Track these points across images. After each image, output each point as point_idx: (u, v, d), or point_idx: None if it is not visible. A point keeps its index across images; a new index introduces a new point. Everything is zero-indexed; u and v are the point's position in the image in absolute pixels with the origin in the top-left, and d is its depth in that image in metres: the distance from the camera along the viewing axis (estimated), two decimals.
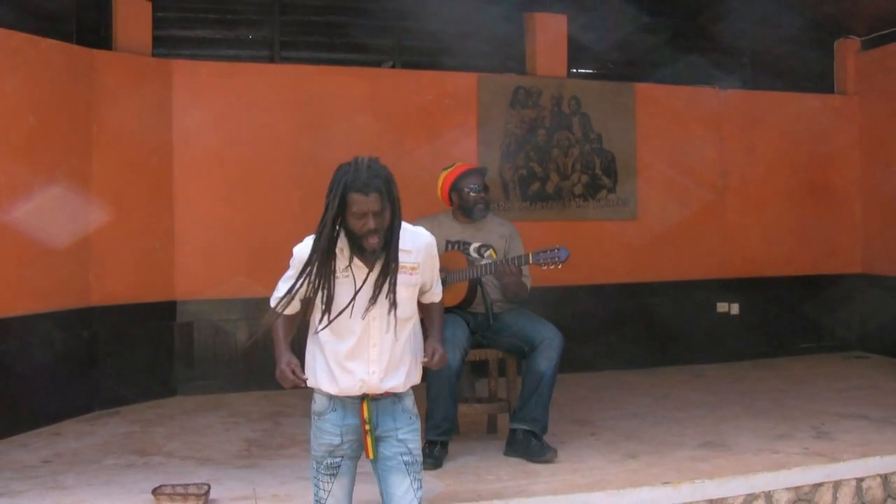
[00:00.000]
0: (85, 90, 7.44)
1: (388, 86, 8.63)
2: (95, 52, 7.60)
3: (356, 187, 3.79)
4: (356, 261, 3.87)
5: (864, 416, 7.12)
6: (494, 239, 6.41)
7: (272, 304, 4.01)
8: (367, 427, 3.93)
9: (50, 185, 7.05)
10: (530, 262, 6.01)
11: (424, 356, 4.06)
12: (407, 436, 4.03)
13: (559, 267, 5.92)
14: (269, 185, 8.19)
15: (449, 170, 6.49)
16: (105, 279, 7.56)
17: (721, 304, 9.69)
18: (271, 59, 8.63)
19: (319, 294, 3.83)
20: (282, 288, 4.00)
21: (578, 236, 8.81)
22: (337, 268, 3.86)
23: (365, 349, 3.91)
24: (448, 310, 6.18)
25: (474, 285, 6.23)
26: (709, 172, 9.66)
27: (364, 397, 3.93)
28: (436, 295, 4.25)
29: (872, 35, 10.10)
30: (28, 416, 6.89)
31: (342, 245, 3.87)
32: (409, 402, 4.09)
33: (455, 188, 6.42)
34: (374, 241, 3.81)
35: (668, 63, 9.86)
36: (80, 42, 7.63)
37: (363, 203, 3.78)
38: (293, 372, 3.89)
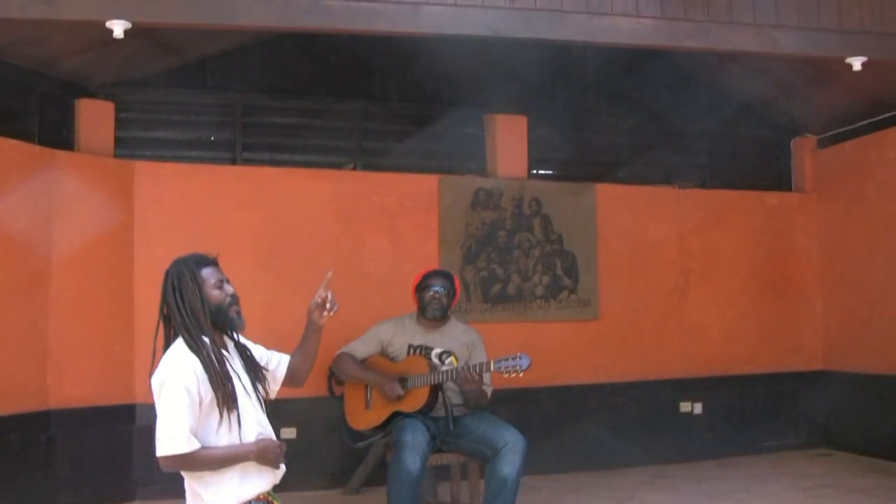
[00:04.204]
0: (46, 190, 7.40)
1: (350, 188, 8.64)
2: (57, 152, 7.58)
3: (203, 263, 3.82)
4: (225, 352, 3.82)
5: None
6: (457, 346, 6.43)
7: (182, 450, 3.62)
8: None
9: (8, 286, 7.00)
10: (491, 369, 6.01)
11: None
12: None
13: (520, 375, 5.92)
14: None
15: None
16: (63, 382, 7.44)
17: (684, 403, 9.66)
18: (233, 161, 8.65)
19: (222, 397, 3.69)
20: (181, 424, 3.62)
21: (540, 337, 8.80)
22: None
23: (259, 423, 3.83)
24: (408, 415, 6.18)
25: (435, 391, 6.22)
26: (669, 271, 9.71)
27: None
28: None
29: (828, 133, 10.26)
30: None
31: None
32: None
33: (420, 287, 6.52)
34: (238, 307, 3.88)
35: (627, 163, 9.98)
36: (41, 142, 7.63)
37: (216, 272, 3.86)
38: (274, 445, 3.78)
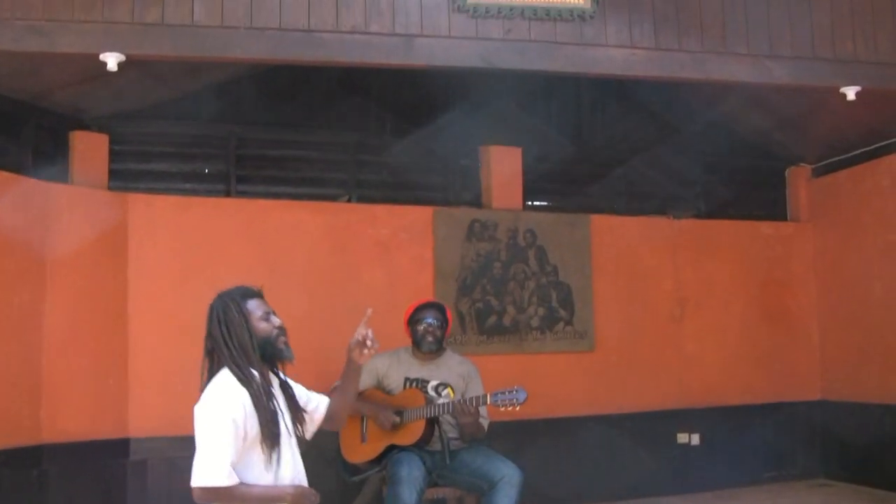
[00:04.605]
0: (40, 223, 7.37)
1: (344, 220, 8.61)
2: (51, 185, 7.55)
3: (248, 295, 3.77)
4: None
5: None
6: (453, 378, 6.41)
7: (220, 483, 3.55)
8: None
9: (1, 319, 6.95)
10: (488, 402, 5.99)
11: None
12: None
13: (517, 408, 5.89)
14: None
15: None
16: (57, 416, 7.37)
17: (681, 434, 9.59)
18: (228, 194, 8.63)
19: (268, 434, 3.67)
20: (223, 456, 3.57)
21: (536, 369, 8.76)
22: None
23: (296, 464, 3.81)
24: (404, 448, 6.14)
25: (431, 424, 6.19)
26: (665, 302, 9.68)
27: None
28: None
29: (823, 162, 10.27)
30: None
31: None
32: None
33: (412, 320, 6.50)
34: (286, 338, 3.83)
35: (622, 193, 9.97)
36: (35, 175, 7.59)
37: (262, 304, 3.82)
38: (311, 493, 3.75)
